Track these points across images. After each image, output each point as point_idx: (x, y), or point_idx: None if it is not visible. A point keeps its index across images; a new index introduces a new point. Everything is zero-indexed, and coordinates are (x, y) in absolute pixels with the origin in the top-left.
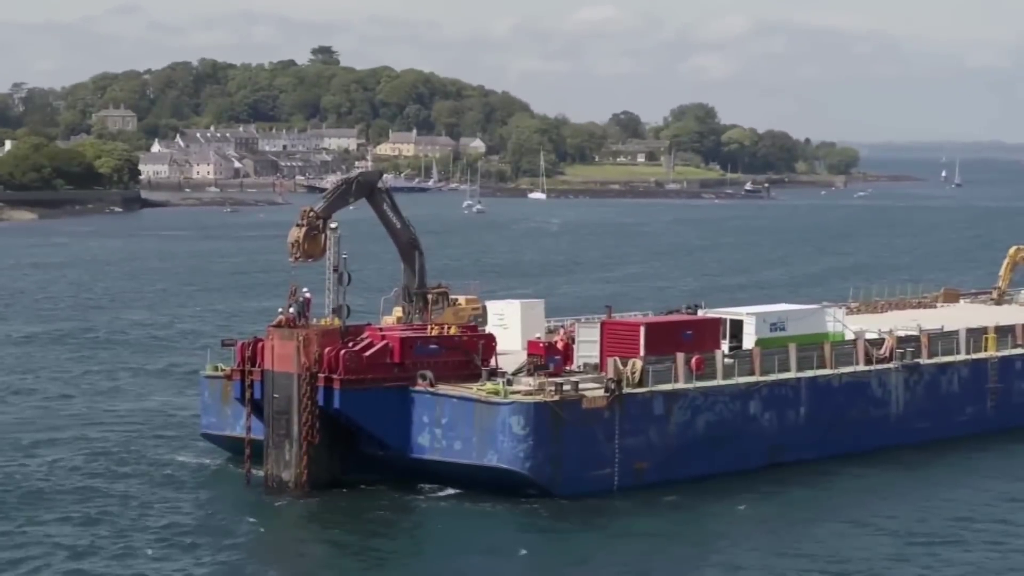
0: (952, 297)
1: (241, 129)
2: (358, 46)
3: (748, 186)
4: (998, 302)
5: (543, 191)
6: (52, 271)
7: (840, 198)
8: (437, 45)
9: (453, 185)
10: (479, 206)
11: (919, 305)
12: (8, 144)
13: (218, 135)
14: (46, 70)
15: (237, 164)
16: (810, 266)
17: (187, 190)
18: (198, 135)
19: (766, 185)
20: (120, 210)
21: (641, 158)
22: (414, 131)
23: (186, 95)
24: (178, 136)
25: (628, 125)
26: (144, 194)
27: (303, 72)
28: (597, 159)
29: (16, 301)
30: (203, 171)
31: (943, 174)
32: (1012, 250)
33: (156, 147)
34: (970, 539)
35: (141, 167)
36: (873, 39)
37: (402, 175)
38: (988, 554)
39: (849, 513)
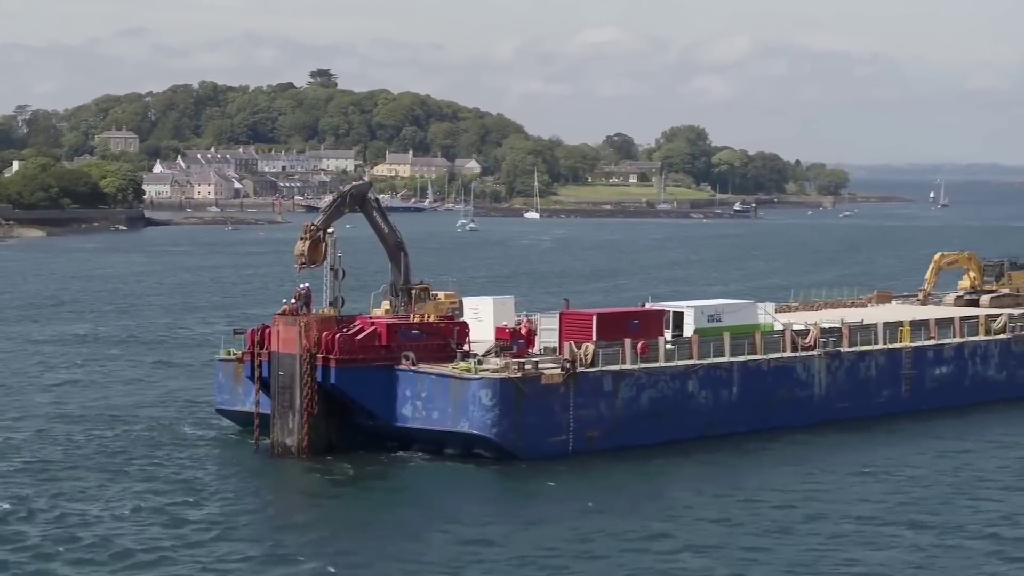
0: (885, 298)
1: (241, 150)
2: (361, 68)
3: (737, 206)
4: (924, 302)
5: (537, 211)
6: (77, 282)
7: (826, 217)
8: (440, 67)
9: (448, 205)
10: (472, 224)
11: (853, 305)
12: (16, 164)
13: (218, 156)
14: (48, 92)
15: (237, 184)
16: (787, 276)
17: (188, 210)
18: (199, 156)
19: (753, 205)
20: (125, 228)
21: (633, 179)
22: (410, 152)
23: (187, 117)
24: (179, 157)
25: (621, 147)
26: (147, 213)
27: (302, 95)
28: (590, 180)
29: (51, 307)
30: (204, 191)
31: (931, 195)
32: (937, 256)
33: (158, 168)
34: (873, 484)
35: (143, 187)
36: (875, 62)
37: (398, 195)
38: (890, 496)
39: (773, 470)
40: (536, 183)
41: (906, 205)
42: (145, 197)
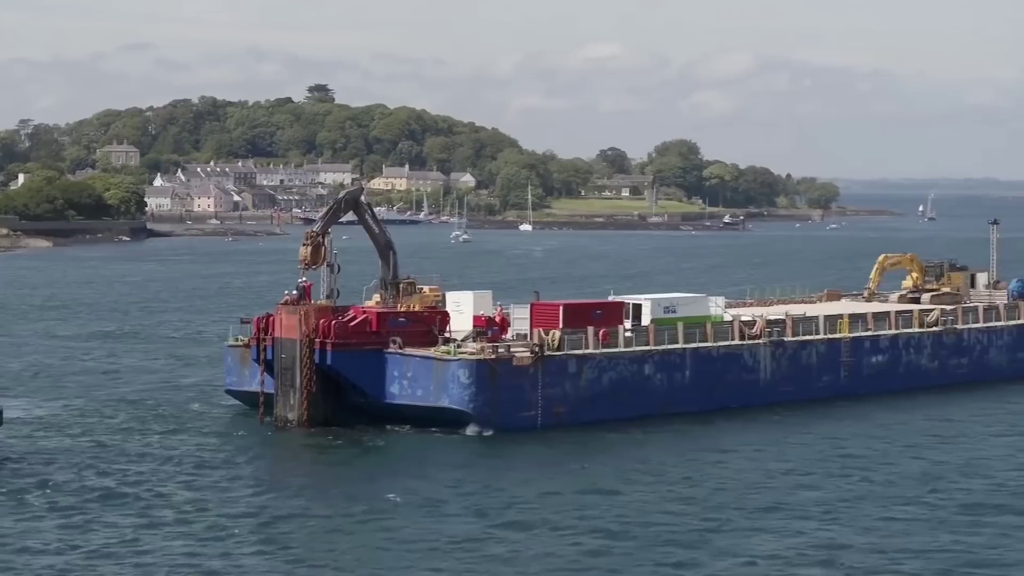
0: (834, 296)
1: (240, 164)
2: (363, 83)
3: (726, 219)
4: (868, 300)
5: (530, 223)
6: (92, 287)
7: (814, 230)
8: (441, 82)
9: (444, 218)
10: (465, 236)
11: (802, 302)
12: (21, 177)
13: (218, 170)
14: (50, 106)
15: (236, 197)
16: (768, 281)
17: (189, 222)
18: (198, 170)
19: (742, 218)
20: (128, 239)
21: (626, 192)
22: (406, 166)
23: (187, 131)
24: (179, 171)
25: (614, 160)
26: (149, 225)
27: (300, 109)
28: (583, 193)
29: (71, 308)
30: (204, 204)
31: (920, 208)
32: (881, 257)
33: (158, 181)
34: (810, 448)
35: (145, 200)
36: (876, 77)
37: (394, 208)
38: (825, 454)
39: (720, 440)
40: (530, 196)
41: (895, 218)
42: (147, 209)
